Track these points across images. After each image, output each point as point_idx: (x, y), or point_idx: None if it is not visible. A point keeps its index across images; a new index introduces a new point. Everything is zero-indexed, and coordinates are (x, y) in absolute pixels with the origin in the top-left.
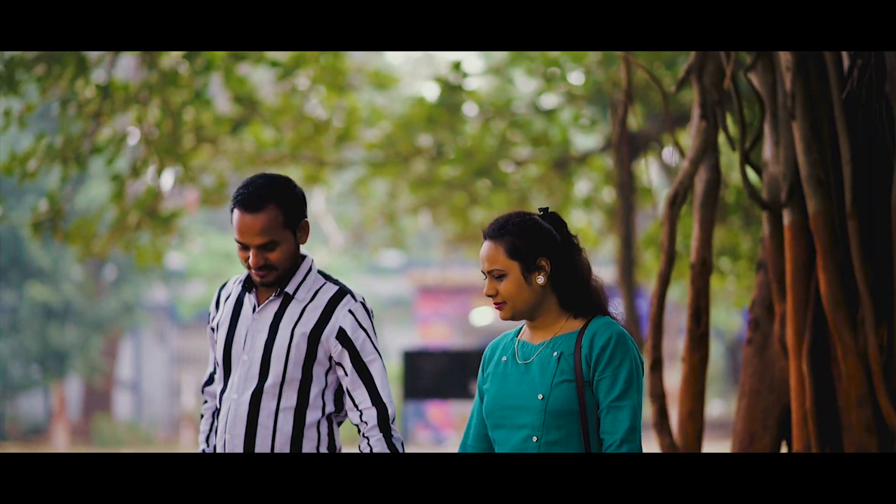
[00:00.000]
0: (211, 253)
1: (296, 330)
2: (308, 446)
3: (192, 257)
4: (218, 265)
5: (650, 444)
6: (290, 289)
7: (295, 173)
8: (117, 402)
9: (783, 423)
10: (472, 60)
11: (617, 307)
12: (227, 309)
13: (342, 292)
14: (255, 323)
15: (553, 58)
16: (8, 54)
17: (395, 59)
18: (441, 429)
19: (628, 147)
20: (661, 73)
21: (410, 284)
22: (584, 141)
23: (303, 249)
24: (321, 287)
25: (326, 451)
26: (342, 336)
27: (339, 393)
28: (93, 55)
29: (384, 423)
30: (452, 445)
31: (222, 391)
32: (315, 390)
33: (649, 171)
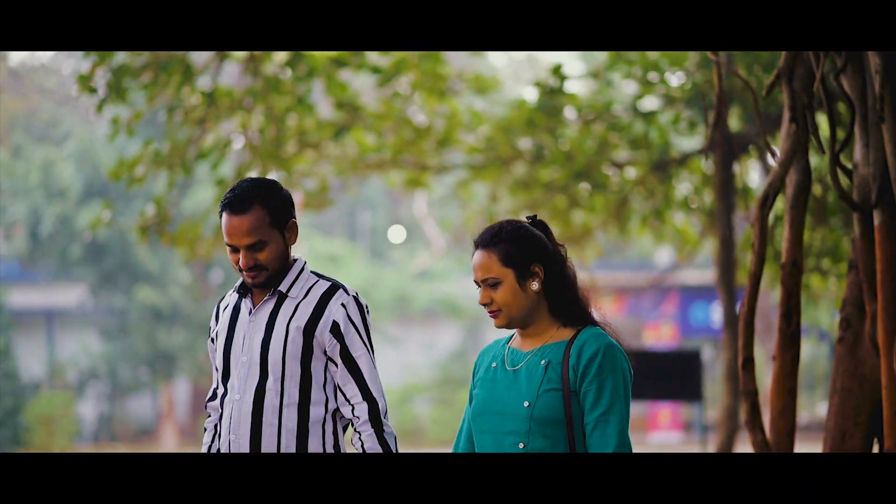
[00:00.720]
0: (315, 255)
1: (291, 325)
2: (314, 442)
3: None
4: (322, 267)
5: (744, 443)
6: (283, 287)
7: (397, 177)
8: None
9: (875, 420)
10: (572, 63)
11: (605, 316)
12: (224, 318)
13: (335, 287)
14: (251, 325)
15: (652, 60)
16: (116, 62)
17: (497, 62)
18: None
19: (727, 148)
20: (760, 76)
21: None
22: (687, 142)
23: (297, 251)
24: (314, 284)
25: (332, 449)
26: (335, 330)
27: None
28: (198, 62)
29: (375, 417)
30: None
31: (223, 396)
32: (316, 385)
33: (746, 173)
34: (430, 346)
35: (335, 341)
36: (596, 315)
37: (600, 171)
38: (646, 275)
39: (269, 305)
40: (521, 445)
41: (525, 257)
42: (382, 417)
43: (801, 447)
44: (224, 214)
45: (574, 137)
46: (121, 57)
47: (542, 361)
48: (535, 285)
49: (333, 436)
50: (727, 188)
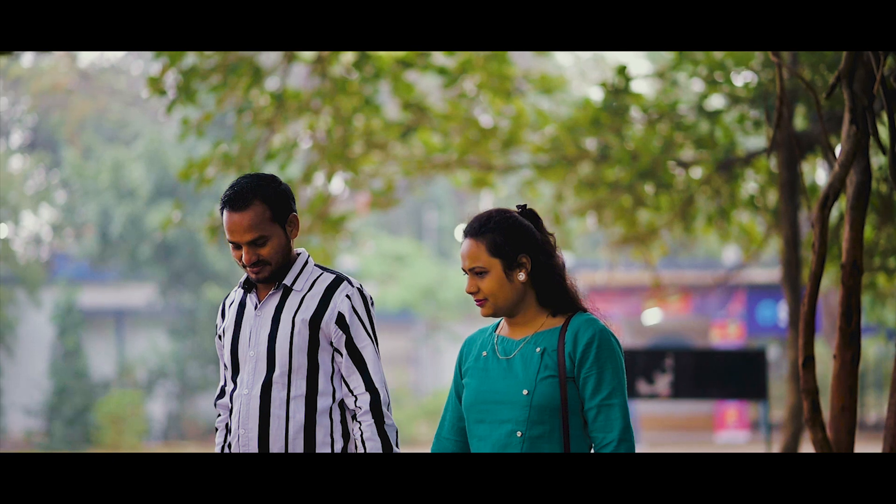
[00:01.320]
0: (382, 255)
1: (296, 317)
2: (321, 433)
3: (364, 259)
4: (389, 266)
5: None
6: (288, 281)
7: (463, 177)
8: None
9: None
10: (639, 62)
11: (594, 303)
12: (231, 314)
13: (339, 279)
14: (258, 319)
15: (718, 60)
16: (185, 65)
17: (564, 61)
18: None
19: (792, 147)
20: (826, 75)
21: (580, 285)
22: (752, 141)
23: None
24: (318, 276)
25: (340, 438)
26: (341, 321)
27: None
28: (266, 64)
29: (377, 408)
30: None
31: (233, 392)
32: (323, 377)
33: (813, 171)
34: None
35: (341, 332)
36: (585, 303)
37: (666, 171)
38: (713, 273)
39: (275, 300)
40: (518, 434)
41: (513, 248)
42: (384, 409)
43: (869, 446)
44: (225, 212)
45: (639, 137)
46: (190, 59)
47: (538, 349)
48: (521, 276)
49: (341, 424)
50: (792, 187)
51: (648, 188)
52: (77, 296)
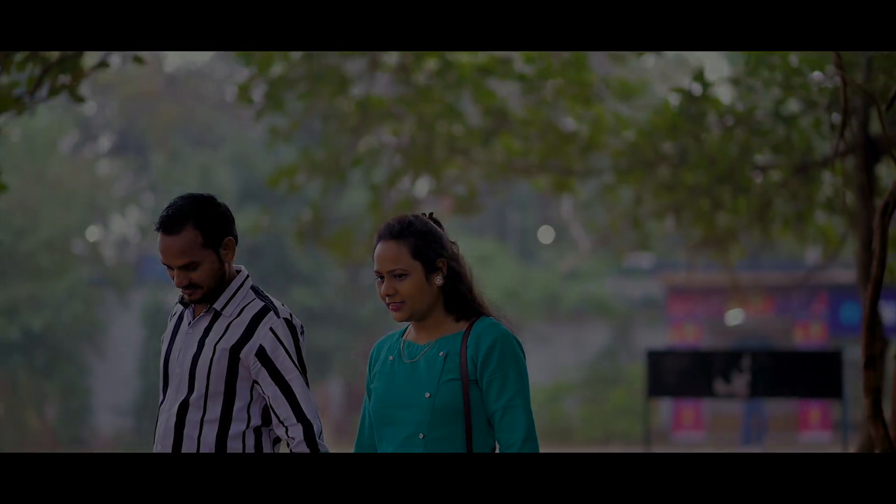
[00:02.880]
0: (466, 255)
1: (218, 345)
2: None
3: None
4: (473, 267)
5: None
6: (218, 305)
7: (544, 181)
8: None
9: None
10: (719, 64)
11: (500, 309)
12: (170, 326)
13: (266, 309)
14: (187, 337)
15: (794, 67)
16: (273, 73)
17: (646, 62)
18: (694, 428)
19: (868, 150)
20: None
21: (661, 286)
22: (830, 144)
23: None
24: (249, 303)
25: None
26: (261, 354)
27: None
28: (351, 72)
29: (310, 439)
30: (705, 445)
31: (160, 404)
32: (239, 404)
33: (893, 173)
34: (578, 345)
35: (259, 365)
36: (490, 308)
37: (743, 175)
38: (795, 274)
39: (204, 322)
40: (420, 436)
41: (433, 252)
42: (317, 438)
43: None
44: (159, 234)
45: (716, 142)
46: (278, 68)
47: (441, 353)
48: (439, 279)
49: (256, 448)
50: (867, 190)
51: (726, 191)
52: (165, 297)
